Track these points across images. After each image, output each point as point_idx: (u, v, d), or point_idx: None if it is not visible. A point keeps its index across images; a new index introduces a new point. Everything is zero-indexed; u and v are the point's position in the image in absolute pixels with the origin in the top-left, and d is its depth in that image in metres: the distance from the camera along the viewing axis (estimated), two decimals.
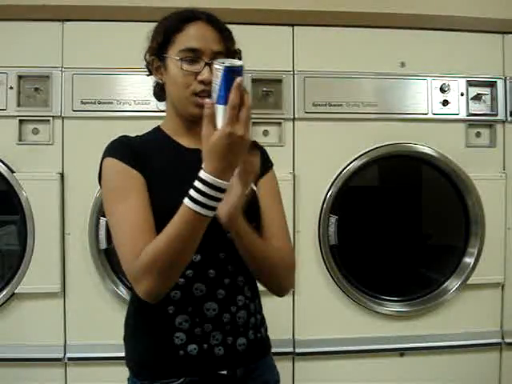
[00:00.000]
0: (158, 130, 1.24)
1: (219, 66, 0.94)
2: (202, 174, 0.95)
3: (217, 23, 1.16)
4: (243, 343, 1.14)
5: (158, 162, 1.14)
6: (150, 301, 1.05)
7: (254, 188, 1.21)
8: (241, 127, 0.93)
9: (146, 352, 1.14)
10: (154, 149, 1.16)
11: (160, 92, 1.23)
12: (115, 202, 1.09)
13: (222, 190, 0.95)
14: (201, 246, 1.05)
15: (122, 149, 1.14)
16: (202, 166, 0.96)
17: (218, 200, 0.96)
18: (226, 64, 0.94)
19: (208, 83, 1.10)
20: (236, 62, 0.96)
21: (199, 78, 1.11)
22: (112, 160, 1.12)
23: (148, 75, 1.23)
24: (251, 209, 1.19)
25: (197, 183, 0.95)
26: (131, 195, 1.08)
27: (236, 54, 1.19)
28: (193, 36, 1.13)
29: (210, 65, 1.10)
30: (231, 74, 0.93)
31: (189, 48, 1.12)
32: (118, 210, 1.08)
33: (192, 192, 0.95)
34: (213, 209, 0.96)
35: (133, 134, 1.22)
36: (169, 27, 1.14)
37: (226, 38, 1.17)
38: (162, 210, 1.07)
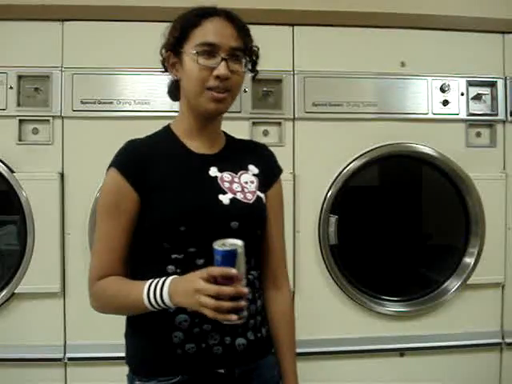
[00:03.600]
0: (168, 130, 1.22)
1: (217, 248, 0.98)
2: (167, 286, 1.03)
3: (235, 20, 1.15)
4: (242, 343, 1.14)
5: (162, 169, 1.14)
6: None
7: (262, 195, 1.21)
8: (201, 289, 0.97)
9: (144, 349, 1.15)
10: (161, 154, 1.16)
11: (175, 91, 1.22)
12: (102, 217, 1.16)
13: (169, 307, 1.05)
14: (205, 251, 1.07)
15: (127, 161, 1.14)
16: (170, 281, 1.04)
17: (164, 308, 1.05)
18: (219, 248, 0.98)
19: (224, 79, 1.10)
20: (225, 246, 0.99)
21: (215, 73, 1.10)
22: (115, 173, 1.12)
23: (163, 72, 1.21)
24: (259, 216, 1.20)
25: (158, 290, 1.04)
26: (116, 216, 1.12)
27: (253, 52, 1.19)
28: (210, 31, 1.12)
29: (226, 60, 1.11)
30: (219, 256, 0.98)
31: (205, 42, 1.11)
32: (101, 227, 1.16)
33: (151, 292, 1.04)
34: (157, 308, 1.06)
35: (139, 135, 1.21)
36: (186, 22, 1.13)
37: (244, 35, 1.16)
38: (163, 217, 1.09)
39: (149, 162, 1.13)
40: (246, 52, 1.16)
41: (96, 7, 2.00)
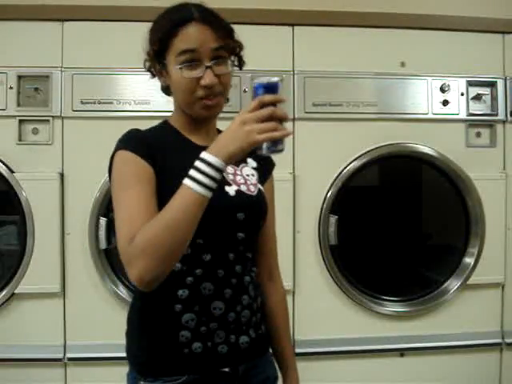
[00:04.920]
0: (166, 124, 1.22)
1: (255, 84, 0.98)
2: (204, 153, 0.97)
3: (211, 21, 1.12)
4: (246, 341, 1.15)
5: (169, 159, 1.12)
6: (142, 287, 1.00)
7: (261, 188, 1.22)
8: (248, 117, 0.94)
9: (149, 349, 1.13)
10: (165, 145, 1.14)
11: (168, 88, 1.21)
12: (121, 189, 1.08)
13: (219, 171, 0.96)
14: (211, 245, 1.08)
15: (136, 141, 1.12)
16: (206, 150, 0.98)
17: (216, 180, 0.96)
18: (258, 81, 0.97)
19: (211, 87, 1.10)
20: (271, 79, 0.98)
21: (202, 83, 1.09)
22: (124, 152, 1.10)
23: (152, 78, 1.21)
24: (262, 208, 1.21)
25: (197, 163, 0.96)
26: (138, 184, 1.06)
27: (237, 48, 1.17)
28: (189, 38, 1.09)
29: (210, 67, 1.09)
30: (263, 90, 0.97)
31: (186, 49, 1.09)
32: (122, 196, 1.07)
33: (192, 171, 0.96)
34: (209, 189, 0.96)
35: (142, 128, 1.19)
36: (163, 33, 1.12)
37: (224, 32, 1.13)
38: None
39: (155, 149, 1.11)
40: (229, 50, 1.14)
41: (96, 7, 2.00)
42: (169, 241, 0.96)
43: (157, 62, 1.15)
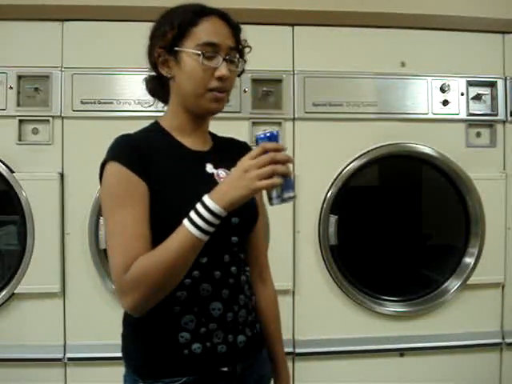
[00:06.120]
0: (158, 127, 1.19)
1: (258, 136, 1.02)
2: (206, 198, 0.98)
3: (229, 19, 1.15)
4: (243, 340, 1.16)
5: (162, 166, 1.11)
6: (134, 314, 1.08)
7: None
8: (250, 164, 0.96)
9: (149, 351, 1.13)
10: (157, 151, 1.13)
11: (158, 88, 1.20)
12: (113, 209, 1.07)
13: (218, 217, 0.98)
14: (207, 248, 1.07)
15: (127, 152, 1.09)
16: (208, 194, 0.99)
17: (215, 226, 0.98)
18: (259, 133, 1.01)
19: (225, 79, 1.11)
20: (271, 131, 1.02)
21: (217, 74, 1.10)
22: (116, 165, 1.08)
23: (150, 70, 1.19)
24: (255, 211, 1.21)
25: (198, 206, 0.98)
26: (130, 204, 1.06)
27: (244, 51, 1.19)
28: (211, 30, 1.11)
29: (226, 60, 1.11)
30: (266, 140, 1.00)
31: (209, 42, 1.10)
32: (115, 218, 1.07)
33: (192, 214, 0.98)
34: (208, 233, 0.99)
35: (132, 131, 1.19)
36: (184, 20, 1.12)
37: (237, 34, 1.17)
38: (164, 217, 1.07)
39: (147, 157, 1.10)
40: (240, 51, 1.17)
41: (96, 7, 2.00)
42: (162, 279, 1.01)
43: (168, 50, 1.13)
